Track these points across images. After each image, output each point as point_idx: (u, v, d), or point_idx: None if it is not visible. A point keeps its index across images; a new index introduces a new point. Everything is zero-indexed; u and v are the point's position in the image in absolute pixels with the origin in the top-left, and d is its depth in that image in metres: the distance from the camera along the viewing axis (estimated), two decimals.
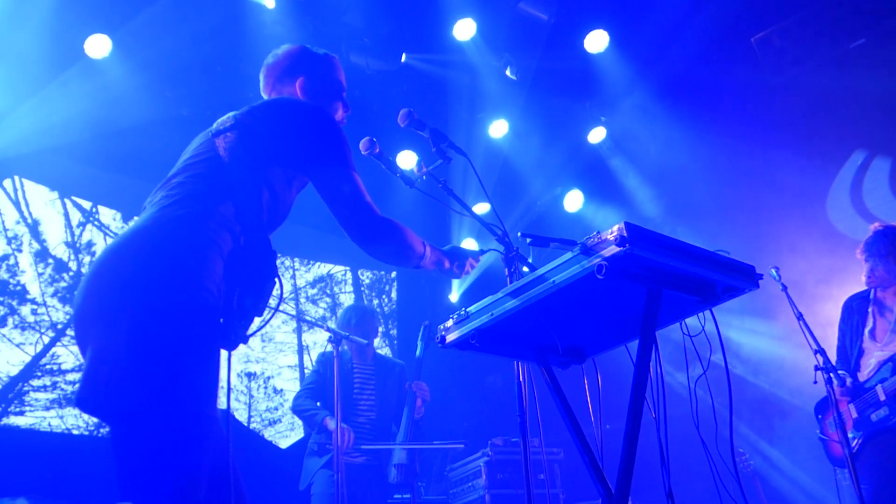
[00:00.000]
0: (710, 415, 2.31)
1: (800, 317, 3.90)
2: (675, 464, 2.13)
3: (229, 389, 1.99)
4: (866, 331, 4.06)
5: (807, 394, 5.02)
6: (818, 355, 3.78)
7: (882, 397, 3.82)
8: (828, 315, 5.28)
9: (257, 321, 2.02)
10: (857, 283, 5.51)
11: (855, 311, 4.13)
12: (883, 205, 6.10)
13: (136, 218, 2.10)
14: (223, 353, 1.96)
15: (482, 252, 2.68)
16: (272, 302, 2.07)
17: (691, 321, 2.33)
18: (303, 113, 2.31)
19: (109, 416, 1.84)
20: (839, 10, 6.03)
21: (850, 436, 3.83)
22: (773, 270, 4.08)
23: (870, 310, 4.07)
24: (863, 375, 3.98)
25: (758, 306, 5.79)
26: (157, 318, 1.80)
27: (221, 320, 1.93)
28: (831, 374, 3.71)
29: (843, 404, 3.87)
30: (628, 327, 2.34)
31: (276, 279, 2.05)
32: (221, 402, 1.94)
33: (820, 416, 4.18)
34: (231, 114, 2.23)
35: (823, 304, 5.33)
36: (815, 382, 3.76)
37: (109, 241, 5.82)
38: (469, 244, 7.20)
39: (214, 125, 2.22)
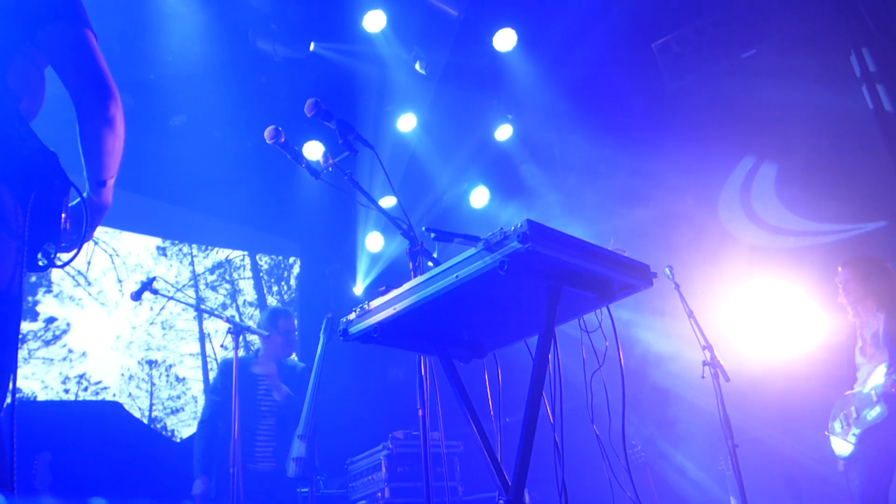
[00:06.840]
0: (605, 408, 2.39)
1: (690, 314, 4.10)
2: (571, 456, 2.18)
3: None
4: (857, 349, 4.62)
5: (695, 388, 5.25)
6: (706, 351, 3.99)
7: (875, 399, 4.32)
8: (717, 312, 5.53)
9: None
10: (745, 282, 5.80)
11: (851, 336, 4.70)
12: (769, 209, 6.43)
13: None
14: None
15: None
16: (170, 291, 1.92)
17: (589, 318, 2.40)
18: None
19: None
20: (733, 21, 6.31)
21: (850, 433, 4.45)
22: (667, 269, 4.26)
23: (857, 332, 4.63)
24: (858, 385, 4.52)
25: (652, 304, 6.00)
26: None
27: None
28: (717, 370, 3.92)
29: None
30: (529, 323, 2.39)
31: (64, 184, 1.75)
32: None
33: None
34: None
35: (713, 302, 5.57)
36: (703, 377, 3.95)
37: None
38: (374, 238, 7.17)
39: None
